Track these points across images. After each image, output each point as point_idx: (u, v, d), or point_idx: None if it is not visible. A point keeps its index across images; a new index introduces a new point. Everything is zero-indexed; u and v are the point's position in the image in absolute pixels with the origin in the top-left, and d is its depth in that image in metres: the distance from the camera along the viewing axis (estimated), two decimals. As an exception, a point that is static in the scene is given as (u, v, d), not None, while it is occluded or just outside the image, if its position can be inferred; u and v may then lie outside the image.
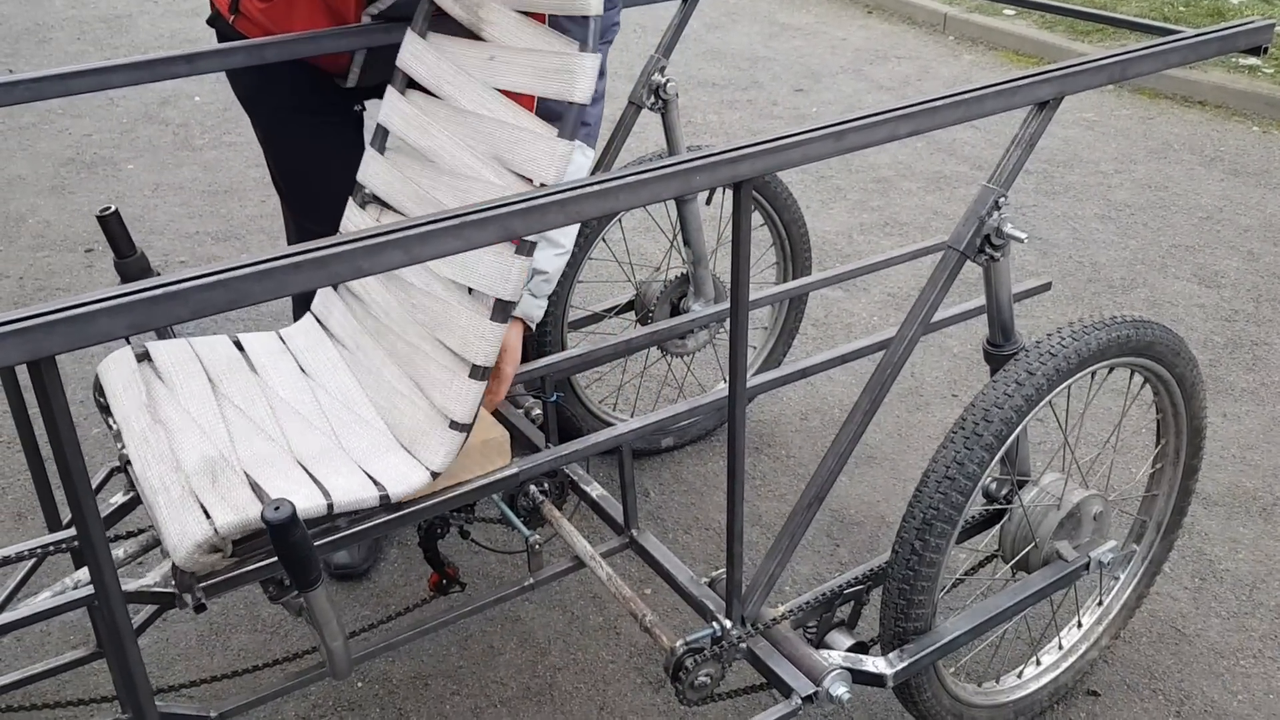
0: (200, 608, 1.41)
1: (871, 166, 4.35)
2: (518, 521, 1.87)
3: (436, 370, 1.53)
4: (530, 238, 1.45)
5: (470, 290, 1.53)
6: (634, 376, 2.91)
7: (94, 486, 1.91)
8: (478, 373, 1.49)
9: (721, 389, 2.75)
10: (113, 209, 1.72)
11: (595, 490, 1.96)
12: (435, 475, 1.49)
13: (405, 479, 1.47)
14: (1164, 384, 1.80)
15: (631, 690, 2.06)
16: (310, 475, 1.44)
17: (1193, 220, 3.84)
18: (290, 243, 2.33)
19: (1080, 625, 2.03)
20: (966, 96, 1.48)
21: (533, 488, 1.88)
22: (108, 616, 1.15)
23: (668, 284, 2.49)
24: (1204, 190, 4.06)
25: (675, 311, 2.53)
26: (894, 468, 2.65)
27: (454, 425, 1.49)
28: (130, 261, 1.74)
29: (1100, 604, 2.04)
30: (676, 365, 3.00)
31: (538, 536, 1.82)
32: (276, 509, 1.20)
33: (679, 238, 2.43)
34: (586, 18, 1.48)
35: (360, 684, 2.07)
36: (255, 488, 1.40)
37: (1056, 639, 2.01)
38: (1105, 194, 3.98)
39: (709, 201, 2.67)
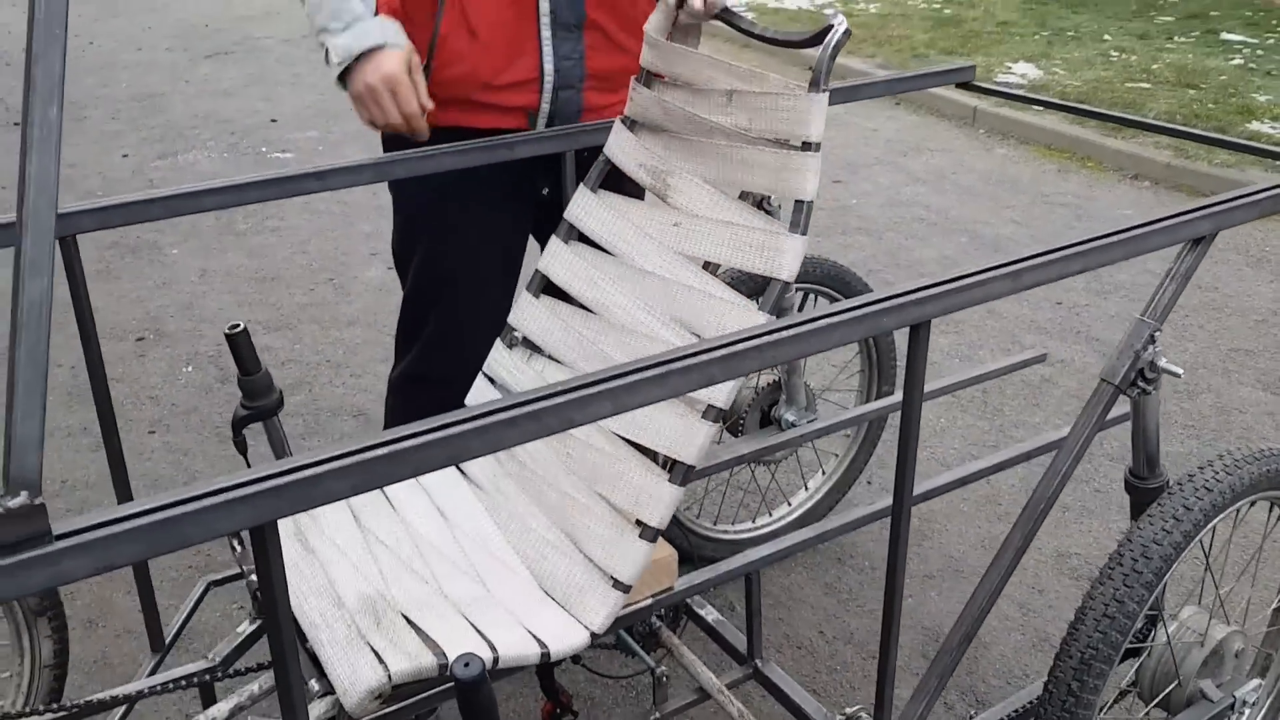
0: (354, 758, 1.35)
1: (919, 262, 4.36)
2: (638, 649, 1.81)
3: (598, 526, 1.49)
4: (718, 404, 1.43)
5: (635, 446, 1.50)
6: (719, 483, 2.86)
7: (191, 605, 1.86)
8: (649, 533, 1.45)
9: (806, 498, 2.75)
10: (241, 326, 1.69)
11: (711, 615, 1.91)
12: (595, 636, 1.44)
13: (565, 638, 1.42)
14: (1302, 517, 1.77)
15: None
16: (472, 624, 1.39)
17: (1248, 323, 3.85)
18: (401, 325, 2.18)
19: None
20: (1131, 235, 1.47)
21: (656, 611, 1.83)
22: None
23: (759, 391, 2.46)
24: (1255, 292, 4.08)
25: (765, 419, 2.49)
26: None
27: (617, 585, 1.45)
28: (256, 378, 1.71)
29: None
30: (761, 473, 2.96)
31: (664, 668, 1.77)
32: (467, 665, 1.15)
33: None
34: (802, 202, 1.48)
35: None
36: (420, 633, 1.35)
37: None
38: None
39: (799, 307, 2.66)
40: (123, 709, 1.64)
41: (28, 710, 1.54)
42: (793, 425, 2.42)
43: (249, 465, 1.82)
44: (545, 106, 1.97)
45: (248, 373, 1.73)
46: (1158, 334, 1.58)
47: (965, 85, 2.40)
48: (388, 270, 4.31)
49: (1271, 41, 7.35)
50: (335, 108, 6.43)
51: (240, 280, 4.23)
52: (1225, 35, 7.50)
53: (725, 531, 2.60)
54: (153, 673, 1.71)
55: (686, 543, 2.44)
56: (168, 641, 1.80)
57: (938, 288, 1.32)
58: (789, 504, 2.73)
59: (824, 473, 2.76)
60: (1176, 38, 7.50)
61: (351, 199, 4.88)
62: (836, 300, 2.56)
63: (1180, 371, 1.59)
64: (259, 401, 1.74)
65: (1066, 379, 3.49)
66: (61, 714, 1.53)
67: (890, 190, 5.14)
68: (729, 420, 2.51)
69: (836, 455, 2.76)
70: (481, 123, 1.96)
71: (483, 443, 1.04)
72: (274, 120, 6.21)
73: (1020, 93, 2.39)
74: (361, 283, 4.21)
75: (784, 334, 1.21)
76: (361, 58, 1.80)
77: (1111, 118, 2.32)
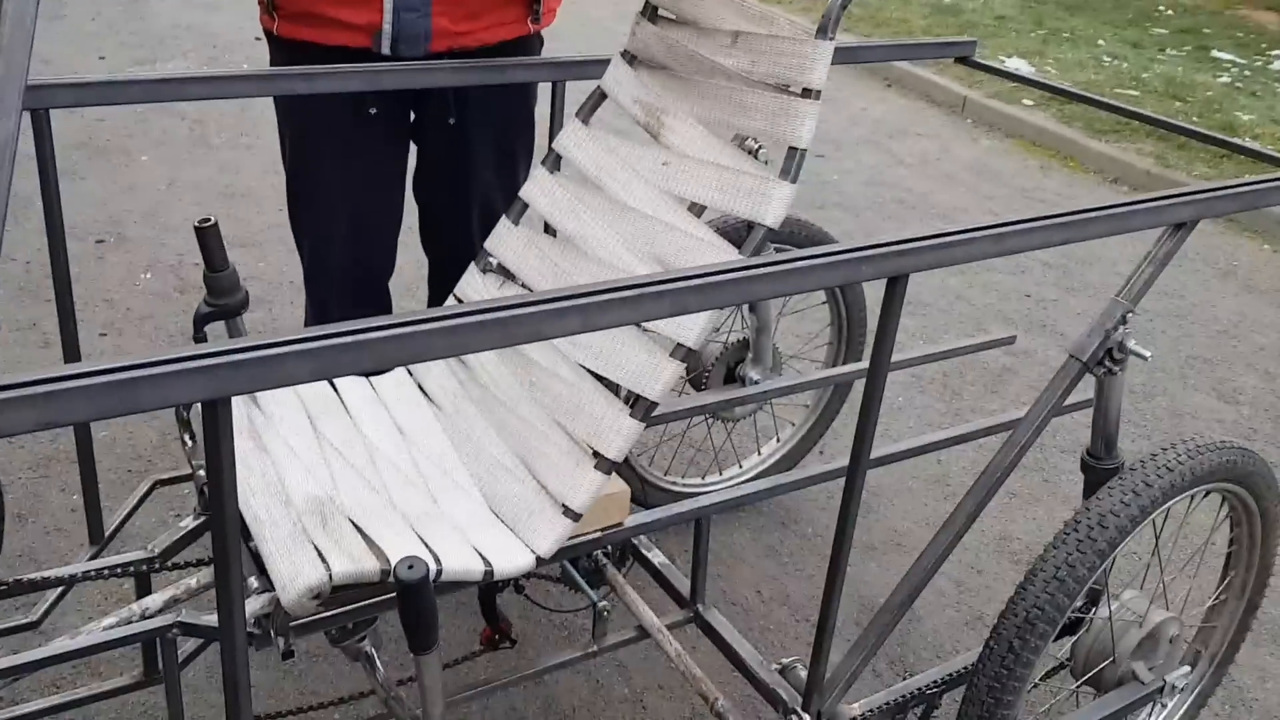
0: (289, 654, 1.34)
1: (894, 242, 4.37)
2: (583, 583, 1.81)
3: (554, 453, 1.47)
4: (688, 343, 1.42)
5: (602, 380, 1.49)
6: (673, 437, 2.85)
7: (136, 501, 1.83)
8: (604, 465, 1.44)
9: (758, 462, 2.75)
10: (212, 220, 1.65)
11: (657, 557, 1.90)
12: (540, 561, 1.43)
13: (511, 559, 1.41)
14: (1248, 515, 1.80)
15: (664, 769, 1.99)
16: (419, 536, 1.38)
17: (1210, 333, 3.89)
18: (305, 262, 2.26)
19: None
20: (1116, 212, 1.47)
21: (597, 549, 1.82)
22: (229, 663, 1.07)
23: (727, 347, 2.45)
24: (1219, 304, 4.12)
25: (730, 376, 2.49)
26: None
27: (567, 512, 1.44)
28: (223, 275, 1.68)
29: (1144, 730, 2.02)
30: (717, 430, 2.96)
31: (606, 603, 1.76)
32: (410, 567, 1.14)
33: (745, 303, 2.40)
34: (795, 150, 1.47)
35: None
36: (366, 539, 1.33)
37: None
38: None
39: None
40: (57, 591, 1.61)
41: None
42: (756, 384, 2.42)
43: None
44: (388, 27, 1.94)
45: (215, 269, 1.69)
46: (1130, 315, 1.59)
47: (964, 60, 2.38)
48: (361, 197, 4.24)
49: (1259, 63, 7.41)
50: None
51: (209, 193, 4.15)
52: (1216, 52, 7.55)
53: (674, 483, 2.59)
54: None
55: (639, 488, 2.44)
56: (108, 534, 1.77)
57: (920, 241, 1.31)
58: (740, 466, 2.73)
59: (779, 440, 2.76)
60: (1168, 50, 7.53)
61: (330, 123, 4.79)
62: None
63: (1148, 354, 1.60)
64: (224, 299, 1.71)
65: (1028, 369, 3.52)
66: (-2, 589, 1.50)
67: (873, 170, 5.13)
68: (693, 373, 2.51)
69: (793, 424, 2.76)
70: (327, 39, 1.96)
71: (448, 343, 1.02)
72: (258, 39, 6.07)
73: (1017, 73, 2.38)
74: (333, 207, 4.15)
75: (761, 270, 1.20)
76: None
77: (1106, 105, 2.32)
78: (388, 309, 2.28)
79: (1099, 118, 5.79)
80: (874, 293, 4.21)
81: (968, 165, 5.32)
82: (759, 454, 2.78)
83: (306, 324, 2.28)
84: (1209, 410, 3.39)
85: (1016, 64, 6.70)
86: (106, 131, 4.57)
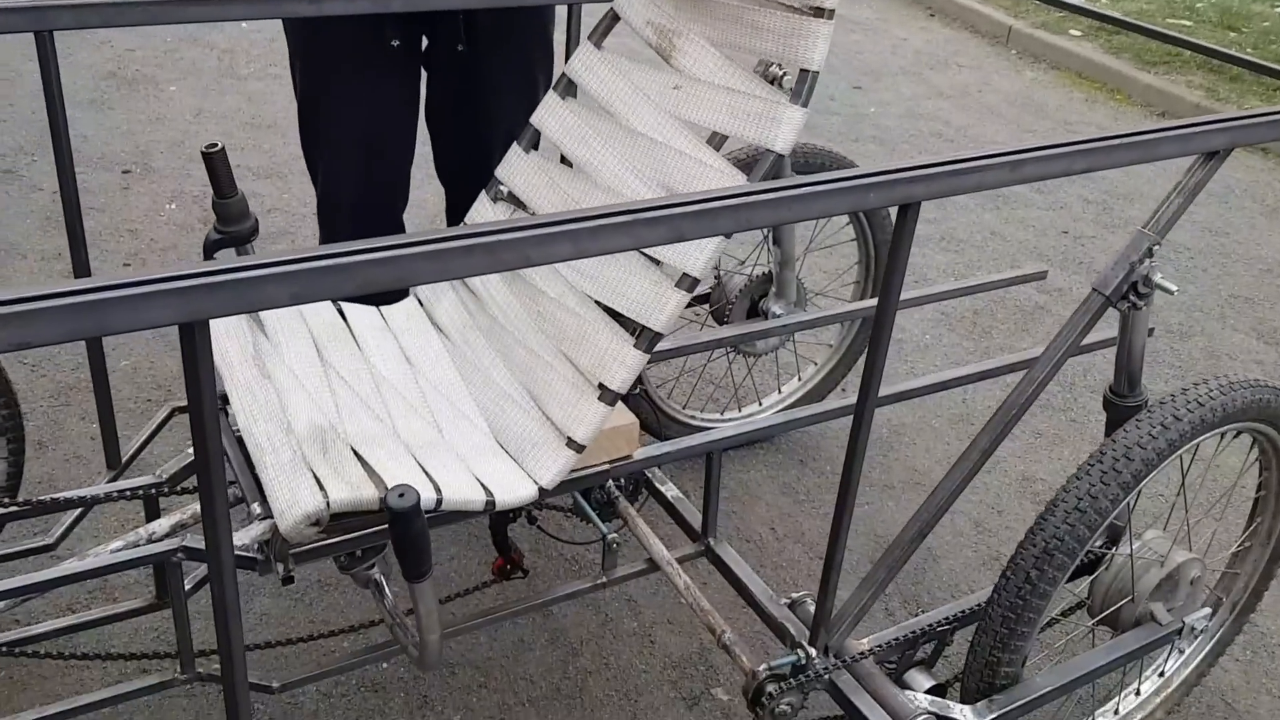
0: (288, 580, 1.34)
1: (929, 176, 4.27)
2: (593, 514, 1.80)
3: (560, 384, 1.45)
4: (693, 273, 1.39)
5: (608, 311, 1.46)
6: (694, 370, 2.83)
7: (154, 428, 1.83)
8: (608, 396, 1.41)
9: (778, 400, 2.72)
10: (219, 146, 1.63)
11: (671, 491, 1.89)
12: (543, 492, 1.42)
13: (513, 490, 1.39)
14: (1279, 459, 1.75)
15: (664, 705, 1.99)
16: (420, 465, 1.37)
17: (1253, 272, 3.78)
18: (319, 191, 2.24)
19: (1139, 694, 1.98)
20: (1143, 139, 1.41)
21: (610, 481, 1.81)
22: (217, 586, 1.07)
23: (751, 281, 2.41)
24: (1265, 241, 4.01)
25: (754, 311, 2.45)
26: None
27: (571, 444, 1.42)
28: (231, 202, 1.66)
29: (1161, 675, 1.98)
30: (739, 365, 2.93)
31: (616, 535, 1.75)
32: (401, 495, 1.13)
33: (770, 235, 2.35)
34: (806, 72, 1.41)
35: (385, 664, 1.99)
36: (366, 467, 1.32)
37: (1115, 702, 1.95)
38: (1168, 235, 3.91)
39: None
40: (73, 516, 1.62)
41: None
42: (779, 318, 2.38)
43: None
44: None
45: (223, 195, 1.68)
46: (1157, 248, 1.53)
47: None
48: (389, 129, 4.21)
49: (1321, -7, 7.13)
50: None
51: (235, 124, 4.13)
52: (1274, -19, 7.27)
53: (693, 417, 2.57)
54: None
55: (655, 420, 2.42)
56: (124, 460, 1.78)
57: (931, 168, 1.26)
58: (760, 404, 2.70)
59: (799, 379, 2.72)
60: (1224, -22, 7.27)
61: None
62: (859, 221, 2.50)
63: (1174, 288, 1.54)
64: (233, 226, 1.69)
65: (1061, 308, 3.44)
66: (11, 509, 1.51)
67: (911, 102, 5.01)
68: (715, 306, 2.47)
69: (815, 363, 2.72)
70: None
71: (433, 268, 1.00)
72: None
73: (1080, 4, 2.26)
74: (360, 138, 4.12)
75: (762, 196, 1.16)
76: None
77: (1157, 33, 2.21)
78: None
79: (1148, 49, 5.60)
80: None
81: (1010, 98, 5.18)
82: (779, 391, 2.74)
83: None
84: (1247, 351, 3.30)
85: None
86: (136, 62, 4.56)
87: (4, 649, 1.40)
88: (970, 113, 4.95)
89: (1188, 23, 6.12)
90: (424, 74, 2.16)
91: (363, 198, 2.16)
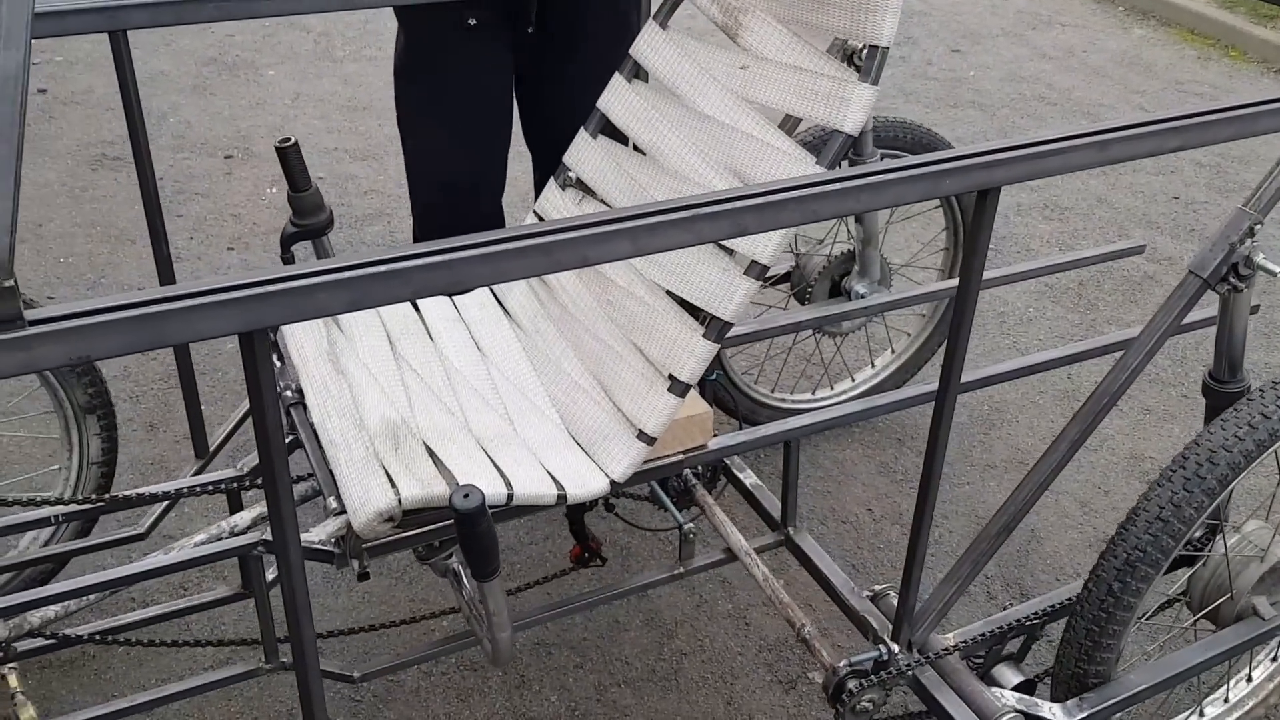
0: (364, 575, 1.36)
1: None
2: (670, 505, 1.79)
3: (630, 376, 1.44)
4: (761, 260, 1.36)
5: (678, 300, 1.44)
6: (781, 351, 2.79)
7: (240, 417, 1.88)
8: (678, 388, 1.39)
9: (871, 375, 2.66)
10: (292, 140, 1.65)
11: (750, 479, 1.86)
12: (615, 485, 1.41)
13: (584, 483, 1.39)
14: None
15: (760, 688, 1.98)
16: (491, 460, 1.37)
17: (1381, 236, 3.57)
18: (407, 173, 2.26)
19: (1250, 680, 1.89)
20: (1240, 113, 1.32)
21: (686, 469, 1.80)
22: (286, 577, 1.08)
23: (831, 260, 2.36)
24: (1395, 203, 3.77)
25: (835, 290, 2.40)
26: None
27: (641, 436, 1.40)
28: (305, 196, 1.68)
29: (1275, 659, 1.90)
30: (825, 345, 2.88)
31: (692, 525, 1.74)
32: (466, 496, 1.13)
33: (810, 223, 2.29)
34: (875, 48, 1.37)
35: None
36: (437, 462, 1.33)
37: (1225, 689, 1.87)
38: (1285, 197, 3.72)
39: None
40: (161, 507, 1.67)
41: (67, 499, 1.58)
42: (862, 298, 2.33)
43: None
44: None
45: (298, 189, 1.70)
46: (1258, 227, 1.44)
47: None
48: (479, 108, 4.23)
49: None
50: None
51: (332, 107, 4.20)
52: None
53: (784, 400, 2.54)
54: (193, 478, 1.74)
55: (740, 404, 2.39)
56: (212, 450, 1.83)
57: (1011, 151, 1.21)
58: (853, 379, 2.65)
59: (893, 351, 2.66)
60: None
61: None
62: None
63: (1278, 270, 1.45)
64: (308, 220, 1.72)
65: (1172, 278, 3.30)
66: (100, 504, 1.57)
67: (1012, 65, 4.84)
68: (797, 287, 2.43)
69: (909, 335, 2.66)
70: None
71: (487, 270, 0.99)
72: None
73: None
74: (451, 118, 4.15)
75: (827, 188, 1.12)
76: None
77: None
78: (497, 222, 2.27)
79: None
80: (1009, 197, 3.99)
81: (1117, 57, 4.96)
82: (872, 366, 2.69)
83: (415, 234, 2.29)
84: (1370, 322, 3.12)
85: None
86: (236, 47, 4.66)
87: (96, 637, 1.45)
88: (1075, 74, 4.76)
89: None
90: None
91: (451, 180, 2.17)
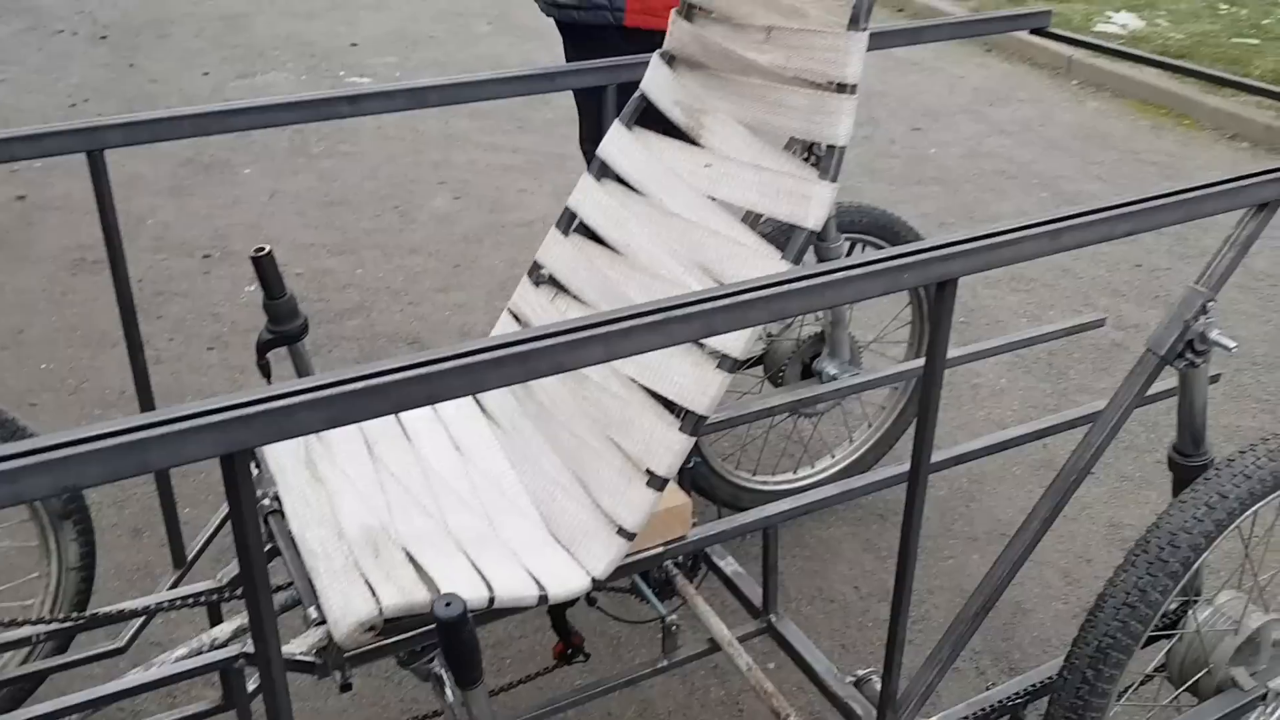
0: (347, 687, 1.36)
1: (993, 216, 4.22)
2: (652, 597, 1.79)
3: (608, 472, 1.46)
4: (733, 354, 1.39)
5: (654, 395, 1.47)
6: (759, 433, 2.82)
7: (217, 524, 1.88)
8: (656, 482, 1.42)
9: (849, 450, 2.69)
10: (267, 250, 1.69)
11: (730, 566, 1.88)
12: (596, 583, 1.42)
13: (565, 582, 1.40)
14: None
15: (753, 774, 1.97)
16: (471, 562, 1.38)
17: (1340, 296, 3.65)
18: None
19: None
20: (1186, 197, 1.38)
21: (667, 560, 1.81)
22: (269, 693, 1.09)
23: (801, 343, 2.40)
24: (1351, 264, 3.87)
25: (808, 371, 2.44)
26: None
27: (621, 532, 1.42)
28: (281, 303, 1.71)
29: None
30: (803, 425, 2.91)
31: (675, 616, 1.75)
32: (448, 604, 1.14)
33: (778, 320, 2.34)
34: (833, 148, 1.42)
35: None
36: (418, 568, 1.34)
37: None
38: (1244, 262, 3.80)
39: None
40: (139, 622, 1.67)
41: (47, 618, 1.58)
42: (834, 378, 2.37)
43: (275, 389, 1.82)
44: None
45: (273, 296, 1.73)
46: (1211, 304, 1.49)
47: (1039, 31, 2.27)
48: (454, 200, 4.30)
49: (1399, -2, 6.91)
50: (415, 33, 6.41)
51: (309, 203, 4.26)
52: (1349, -11, 7.06)
53: (764, 482, 2.56)
54: (171, 589, 1.74)
55: (720, 490, 2.41)
56: (189, 559, 1.83)
57: (966, 244, 1.25)
58: (832, 456, 2.68)
59: (869, 426, 2.69)
60: (1295, -10, 7.08)
61: (423, 127, 4.86)
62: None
63: (1232, 345, 1.50)
64: (284, 326, 1.75)
65: (1139, 345, 3.34)
66: (79, 622, 1.57)
67: (972, 141, 4.96)
68: (770, 370, 2.46)
69: (883, 409, 2.69)
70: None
71: (465, 382, 1.02)
72: (354, 45, 6.21)
73: (1100, 43, 2.26)
74: (427, 211, 4.21)
75: (793, 286, 1.16)
76: None
77: (1201, 74, 2.18)
78: None
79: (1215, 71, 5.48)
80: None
81: (1073, 130, 5.10)
82: (850, 442, 2.72)
83: None
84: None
85: (1124, 18, 6.40)
86: (212, 147, 4.72)
87: (78, 757, 1.43)
88: (1033, 148, 4.89)
89: (1254, 41, 5.97)
90: None
91: None
